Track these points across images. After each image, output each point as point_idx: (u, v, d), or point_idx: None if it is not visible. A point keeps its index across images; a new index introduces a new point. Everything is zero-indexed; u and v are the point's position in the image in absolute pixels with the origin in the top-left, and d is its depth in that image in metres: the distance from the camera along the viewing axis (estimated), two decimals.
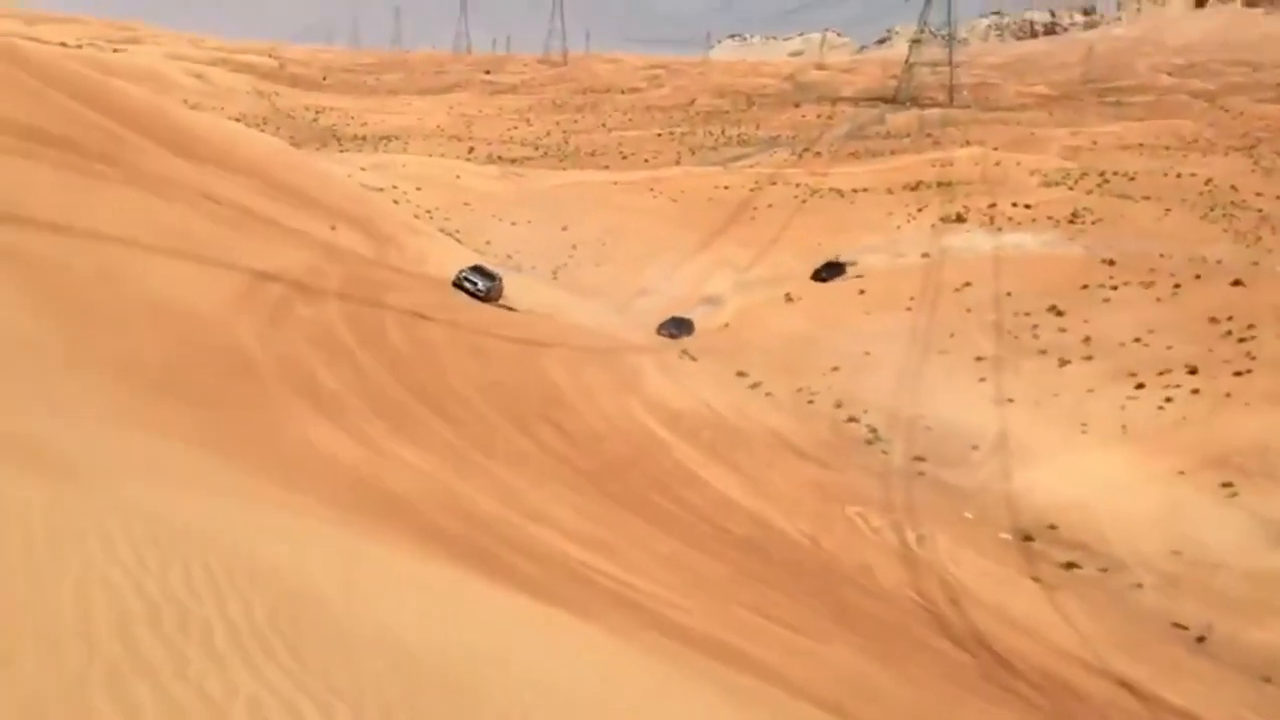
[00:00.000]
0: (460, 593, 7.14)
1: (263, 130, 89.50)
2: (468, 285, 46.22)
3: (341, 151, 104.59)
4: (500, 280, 48.32)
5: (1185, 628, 29.30)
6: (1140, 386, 46.09)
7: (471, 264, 49.89)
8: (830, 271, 66.43)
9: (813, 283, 65.52)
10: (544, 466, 19.93)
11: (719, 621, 9.43)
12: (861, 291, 63.02)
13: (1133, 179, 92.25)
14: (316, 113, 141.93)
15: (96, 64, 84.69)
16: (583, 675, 6.13)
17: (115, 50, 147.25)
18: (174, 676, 3.84)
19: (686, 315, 59.08)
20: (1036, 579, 30.12)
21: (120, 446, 7.46)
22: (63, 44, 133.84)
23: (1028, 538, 34.11)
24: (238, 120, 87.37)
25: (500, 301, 47.25)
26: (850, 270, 66.81)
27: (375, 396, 18.76)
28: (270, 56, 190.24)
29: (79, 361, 9.33)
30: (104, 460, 6.79)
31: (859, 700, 8.10)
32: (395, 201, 70.23)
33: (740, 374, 49.87)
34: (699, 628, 8.90)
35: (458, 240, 62.02)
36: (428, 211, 74.68)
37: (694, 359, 50.94)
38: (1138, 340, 51.28)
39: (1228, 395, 44.49)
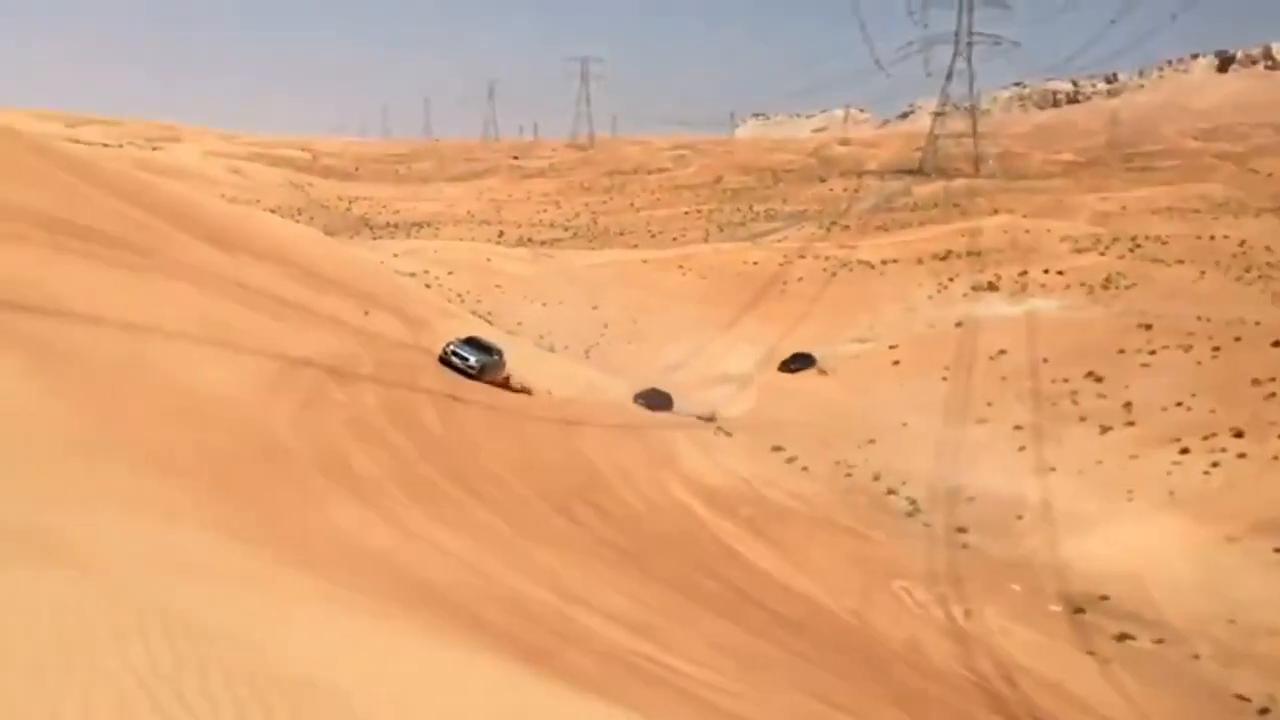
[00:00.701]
0: (514, 694, 6.87)
1: (297, 220, 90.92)
2: (455, 360, 39.28)
3: (374, 239, 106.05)
4: (500, 356, 42.09)
5: (1248, 699, 28.27)
6: (1185, 451, 45.24)
7: (465, 335, 43.58)
8: (799, 363, 63.20)
9: (847, 354, 65.16)
10: (585, 548, 19.59)
11: (783, 712, 9.03)
12: (896, 362, 62.66)
13: (1165, 243, 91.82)
14: (349, 202, 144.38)
15: (135, 162, 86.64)
16: None
17: (154, 149, 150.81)
18: None
19: (665, 389, 56.95)
20: (1091, 652, 29.25)
21: (143, 538, 7.27)
22: (104, 144, 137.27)
23: (1079, 609, 33.23)
24: (273, 211, 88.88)
25: (491, 379, 40.74)
26: (821, 361, 63.27)
27: (411, 481, 18.57)
28: (304, 150, 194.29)
29: (105, 450, 9.25)
30: (125, 552, 6.60)
31: None
32: (427, 286, 70.89)
33: (776, 448, 49.41)
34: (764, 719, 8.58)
35: (489, 322, 62.33)
36: (460, 295, 75.27)
37: (729, 434, 50.61)
38: (1180, 404, 50.48)
39: (1275, 458, 43.58)
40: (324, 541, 9.26)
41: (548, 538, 18.95)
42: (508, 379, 42.80)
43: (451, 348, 40.26)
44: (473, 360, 39.62)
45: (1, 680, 4.00)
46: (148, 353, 14.53)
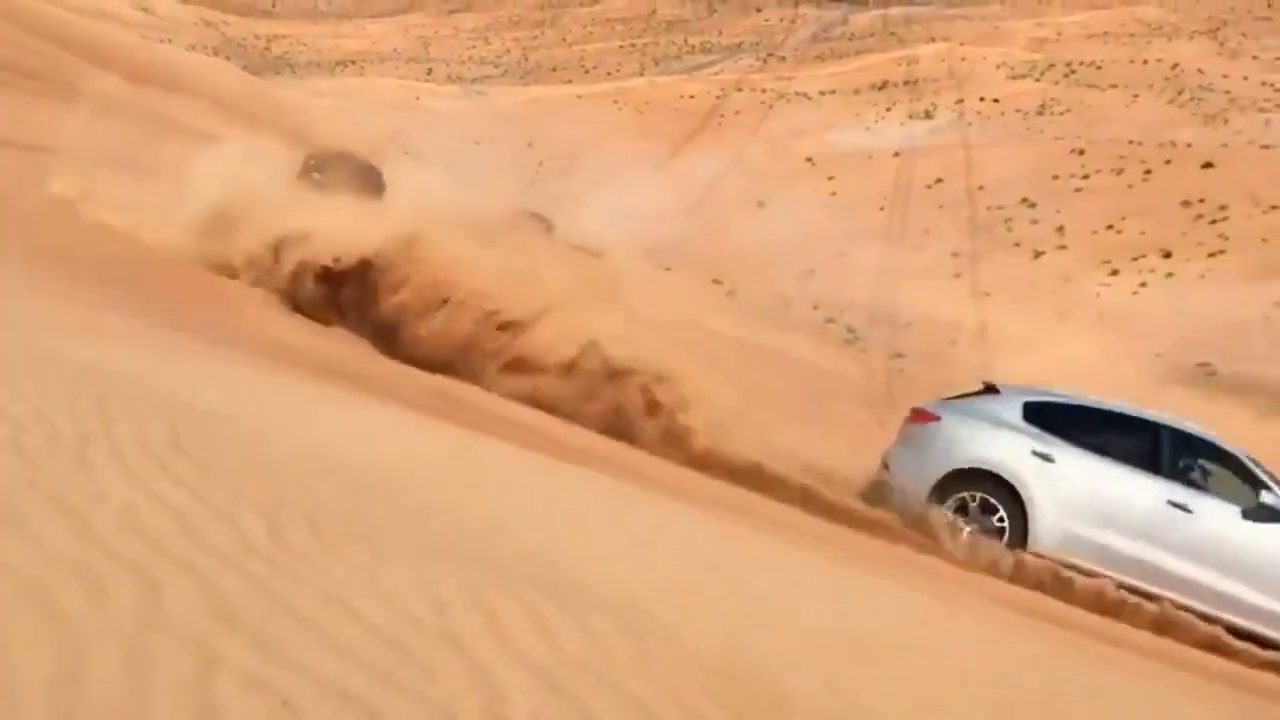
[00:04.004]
0: (419, 426, 6.75)
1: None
2: None
3: (297, 78, 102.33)
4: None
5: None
6: (1115, 273, 46.19)
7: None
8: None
9: (786, 186, 64.74)
10: (509, 386, 19.38)
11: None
12: (834, 194, 62.53)
13: (1099, 68, 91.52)
14: (268, 41, 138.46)
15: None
16: (570, 493, 5.77)
17: None
18: (25, 487, 3.05)
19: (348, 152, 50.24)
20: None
21: (39, 313, 6.76)
22: None
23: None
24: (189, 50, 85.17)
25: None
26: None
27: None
28: None
29: (17, 256, 8.78)
30: (13, 320, 6.10)
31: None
32: (355, 125, 68.80)
33: (715, 281, 49.48)
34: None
35: (420, 160, 60.86)
36: (389, 136, 73.27)
37: (667, 269, 50.47)
38: (1110, 228, 51.26)
39: (1201, 277, 44.61)
40: (241, 331, 8.95)
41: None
42: None
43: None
44: None
45: None
46: (52, 174, 13.85)
